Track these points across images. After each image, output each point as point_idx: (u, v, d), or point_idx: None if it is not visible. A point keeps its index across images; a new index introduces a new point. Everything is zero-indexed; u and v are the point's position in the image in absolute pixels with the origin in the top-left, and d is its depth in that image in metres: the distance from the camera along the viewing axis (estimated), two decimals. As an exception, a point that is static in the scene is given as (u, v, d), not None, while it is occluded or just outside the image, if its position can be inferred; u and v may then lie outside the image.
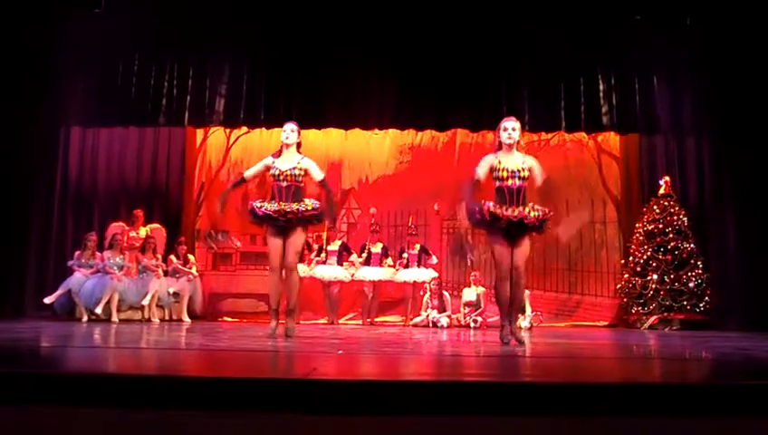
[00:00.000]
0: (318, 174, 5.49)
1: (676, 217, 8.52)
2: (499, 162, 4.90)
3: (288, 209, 5.22)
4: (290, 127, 5.58)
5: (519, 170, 4.86)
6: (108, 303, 7.81)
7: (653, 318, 8.24)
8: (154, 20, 8.84)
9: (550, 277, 9.77)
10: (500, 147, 5.00)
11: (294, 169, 5.37)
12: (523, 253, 4.88)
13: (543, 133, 9.73)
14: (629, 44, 9.01)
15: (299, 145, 5.61)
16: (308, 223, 5.42)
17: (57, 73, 8.83)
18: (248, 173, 5.67)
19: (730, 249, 8.83)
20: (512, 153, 4.95)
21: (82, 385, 2.45)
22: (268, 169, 5.47)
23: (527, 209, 4.78)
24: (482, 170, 4.95)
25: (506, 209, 4.75)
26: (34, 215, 8.92)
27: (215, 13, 8.84)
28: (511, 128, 4.98)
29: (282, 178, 5.35)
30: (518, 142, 4.99)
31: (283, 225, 5.28)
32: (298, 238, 5.35)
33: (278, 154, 5.51)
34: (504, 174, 4.85)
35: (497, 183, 4.89)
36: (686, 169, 9.28)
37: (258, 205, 5.34)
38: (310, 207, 5.29)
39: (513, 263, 4.84)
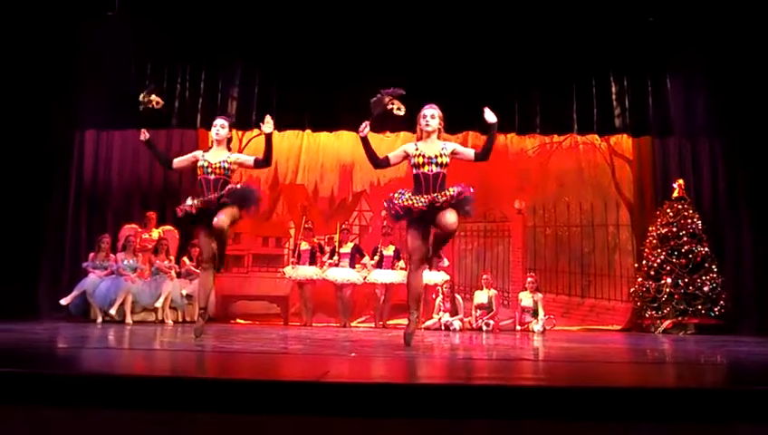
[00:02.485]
0: (248, 158, 5.47)
1: (690, 221, 8.46)
2: (416, 149, 4.77)
3: (207, 199, 5.13)
4: (220, 122, 5.54)
5: (436, 156, 4.70)
6: (122, 304, 7.86)
7: (667, 322, 8.18)
8: (167, 23, 8.90)
9: (562, 280, 9.74)
10: (420, 134, 4.87)
11: (224, 161, 5.32)
12: (448, 218, 4.56)
13: (556, 135, 9.70)
14: (642, 46, 8.95)
15: (229, 141, 5.56)
16: (234, 200, 5.18)
17: (72, 77, 8.91)
18: (176, 162, 5.58)
19: (745, 252, 8.74)
20: (431, 141, 4.80)
21: (97, 386, 2.47)
22: (196, 160, 5.40)
23: (439, 195, 4.57)
24: (393, 154, 4.89)
25: (418, 200, 4.59)
26: (50, 217, 9.00)
27: (227, 15, 8.89)
28: (429, 115, 4.83)
29: (210, 170, 5.29)
30: (439, 130, 4.82)
31: (200, 215, 5.16)
32: (227, 210, 5.09)
33: (208, 150, 5.50)
34: (420, 160, 4.71)
35: (414, 170, 4.74)
36: (700, 172, 9.22)
37: (189, 203, 5.24)
38: (239, 188, 5.24)
39: (440, 228, 4.64)
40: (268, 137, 5.34)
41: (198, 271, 8.53)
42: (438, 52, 8.92)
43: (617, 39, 8.93)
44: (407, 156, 4.82)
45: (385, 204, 4.87)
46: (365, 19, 8.86)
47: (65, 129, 9.17)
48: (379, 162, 4.92)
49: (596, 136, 9.57)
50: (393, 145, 10.03)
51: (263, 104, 9.10)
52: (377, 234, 9.60)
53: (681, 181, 8.79)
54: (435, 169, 4.69)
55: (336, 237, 9.26)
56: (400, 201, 4.66)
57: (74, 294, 7.98)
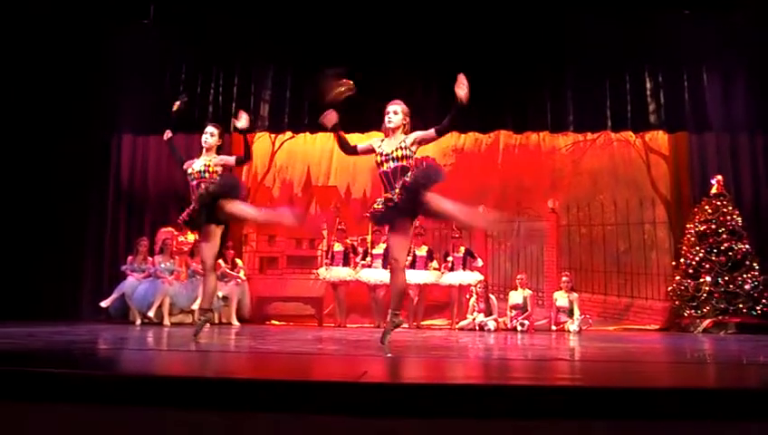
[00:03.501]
0: (230, 158, 5.53)
1: (729, 217, 8.28)
2: (379, 146, 4.72)
3: (199, 192, 5.27)
4: (210, 130, 5.61)
5: (392, 152, 4.62)
6: (159, 306, 8.00)
7: (707, 322, 8.01)
8: (200, 30, 9.05)
9: (597, 280, 9.62)
10: (387, 133, 4.80)
11: (207, 166, 5.42)
12: (437, 201, 4.60)
13: (589, 133, 9.59)
14: (677, 40, 8.80)
15: (219, 148, 5.62)
16: (221, 193, 5.30)
17: (108, 83, 9.12)
18: (185, 164, 5.64)
19: (788, 250, 8.53)
20: (394, 138, 4.72)
21: (137, 386, 2.52)
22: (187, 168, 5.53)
23: (396, 189, 4.50)
24: (362, 145, 4.85)
25: (381, 202, 4.57)
26: (90, 221, 9.22)
27: (258, 20, 9.00)
28: (392, 111, 4.77)
29: (193, 177, 5.43)
30: (404, 126, 4.74)
31: (199, 217, 5.32)
32: (233, 206, 5.29)
33: (199, 156, 5.59)
34: (380, 159, 4.66)
35: (378, 169, 4.69)
36: (740, 167, 9.02)
37: (185, 214, 5.43)
38: (222, 179, 5.33)
39: (442, 215, 4.73)
40: (243, 132, 5.43)
41: (233, 273, 8.72)
42: (469, 51, 8.88)
43: (651, 33, 8.78)
44: (372, 150, 4.78)
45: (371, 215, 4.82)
46: (393, 21, 8.88)
47: (103, 134, 9.39)
48: (348, 149, 4.88)
49: (631, 132, 9.43)
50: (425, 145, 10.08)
51: (294, 107, 9.20)
52: (409, 234, 9.59)
53: (720, 177, 8.61)
54: (392, 164, 4.62)
55: (369, 238, 9.29)
56: (372, 209, 4.65)
57: (114, 296, 8.15)
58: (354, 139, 9.86)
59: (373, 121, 9.10)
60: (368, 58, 8.97)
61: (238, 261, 8.98)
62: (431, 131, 4.70)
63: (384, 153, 4.66)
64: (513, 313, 8.67)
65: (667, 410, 2.32)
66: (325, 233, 9.99)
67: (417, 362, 3.88)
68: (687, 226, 8.69)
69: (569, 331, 8.21)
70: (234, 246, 9.16)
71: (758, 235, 8.50)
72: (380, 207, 4.59)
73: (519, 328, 8.39)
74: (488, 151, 9.95)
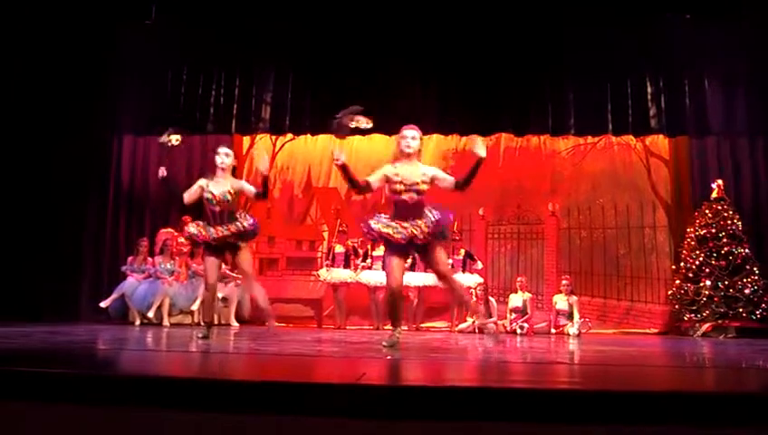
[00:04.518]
0: (250, 188, 5.61)
1: (729, 222, 8.28)
2: (396, 174, 4.69)
3: (224, 234, 5.42)
4: (224, 151, 5.65)
5: (416, 184, 4.64)
6: (159, 307, 8.01)
7: (706, 325, 8.01)
8: (201, 31, 9.05)
9: (597, 283, 9.61)
10: (399, 156, 4.78)
11: (226, 193, 5.49)
12: (440, 260, 4.75)
13: (590, 136, 9.59)
14: (679, 44, 8.79)
15: (234, 169, 5.75)
16: (243, 240, 5.56)
17: (110, 83, 9.12)
18: (186, 196, 5.66)
19: (789, 254, 8.52)
20: (411, 163, 4.73)
21: (136, 387, 2.52)
22: (203, 190, 5.56)
23: (416, 228, 4.58)
24: (373, 178, 4.78)
25: (397, 230, 4.58)
26: (89, 221, 9.21)
27: (260, 22, 9.00)
28: (410, 136, 4.75)
29: (215, 202, 5.48)
30: (419, 152, 4.78)
31: (216, 245, 5.48)
32: (244, 256, 5.60)
33: (212, 177, 5.62)
34: (400, 187, 4.65)
35: (393, 196, 4.69)
36: (740, 172, 9.01)
37: (195, 232, 5.52)
38: (242, 225, 5.46)
39: (435, 271, 4.81)
40: (265, 179, 5.49)
41: (233, 274, 8.71)
42: (469, 55, 8.89)
43: (652, 38, 8.78)
44: (387, 180, 4.75)
45: (362, 226, 4.84)
46: (398, 23, 8.88)
47: (104, 134, 9.38)
48: (360, 187, 4.84)
49: (631, 136, 9.43)
50: (425, 147, 10.04)
51: (296, 109, 9.19)
52: (410, 237, 9.60)
53: (720, 181, 8.60)
54: (415, 196, 4.66)
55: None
56: (378, 228, 4.65)
57: (113, 296, 8.15)
58: (355, 141, 10.03)
59: (374, 123, 9.16)
60: (368, 60, 8.98)
61: (239, 262, 8.97)
62: (451, 181, 4.79)
63: (406, 182, 4.66)
64: (513, 315, 8.67)
65: (666, 415, 2.32)
66: (326, 235, 9.99)
67: (416, 364, 3.89)
68: (688, 230, 8.69)
69: (568, 334, 8.21)
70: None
71: (758, 239, 8.49)
72: (400, 238, 4.59)
73: (518, 331, 8.39)
74: (489, 154, 9.75)
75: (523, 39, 8.84)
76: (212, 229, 5.45)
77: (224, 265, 8.72)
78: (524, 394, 2.48)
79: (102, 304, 8.13)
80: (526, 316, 8.58)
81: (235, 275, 8.75)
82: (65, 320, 7.99)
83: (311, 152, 10.23)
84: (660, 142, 9.68)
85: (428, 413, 2.30)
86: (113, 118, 9.31)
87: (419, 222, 4.60)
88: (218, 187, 5.52)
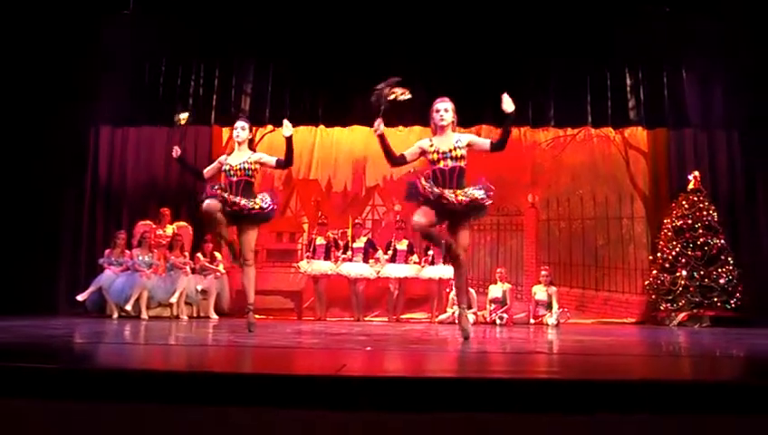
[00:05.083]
0: (271, 159, 5.57)
1: (705, 213, 8.39)
2: (431, 145, 4.74)
3: (236, 201, 5.29)
4: (240, 124, 5.67)
5: (450, 150, 4.66)
6: (137, 300, 7.94)
7: (682, 315, 8.13)
8: (181, 20, 8.94)
9: (576, 274, 9.70)
10: (434, 129, 4.84)
11: (244, 163, 5.45)
12: (462, 240, 4.70)
13: (569, 128, 9.65)
14: (657, 37, 8.86)
15: (251, 142, 5.73)
16: (255, 221, 5.47)
17: (87, 74, 8.97)
18: (207, 170, 5.75)
19: (763, 244, 8.67)
20: (446, 135, 4.77)
21: (114, 381, 2.50)
22: (221, 165, 5.57)
23: (452, 194, 4.52)
24: (408, 152, 4.82)
25: (433, 189, 4.54)
26: (66, 213, 9.10)
27: (240, 12, 8.91)
28: (443, 109, 4.79)
29: (232, 173, 5.45)
30: (453, 123, 4.79)
31: (228, 212, 5.31)
32: (251, 236, 5.48)
33: (230, 152, 5.66)
34: (435, 156, 4.68)
35: (431, 166, 4.71)
36: (717, 164, 9.14)
37: (215, 191, 5.36)
38: (258, 205, 5.36)
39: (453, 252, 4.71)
40: (288, 140, 5.42)
41: (212, 266, 8.67)
42: (450, 45, 8.89)
43: (631, 31, 8.83)
44: (422, 152, 4.79)
45: (408, 185, 4.78)
46: (376, 13, 8.85)
47: (81, 125, 9.26)
48: (395, 160, 4.87)
49: (610, 128, 9.51)
50: (406, 139, 10.06)
51: (276, 100, 9.13)
52: (390, 228, 9.61)
53: (697, 173, 8.72)
54: (450, 163, 4.66)
55: (349, 232, 9.28)
56: (416, 182, 4.61)
57: (90, 290, 8.07)
58: (336, 133, 9.98)
59: (355, 114, 9.15)
60: (349, 51, 8.94)
61: (217, 254, 8.92)
62: (486, 143, 4.81)
63: (440, 151, 4.68)
64: (493, 306, 8.72)
65: (643, 403, 2.35)
66: (306, 226, 9.96)
67: (396, 355, 3.90)
68: (665, 221, 8.80)
69: (547, 324, 8.29)
70: (213, 239, 9.09)
71: (733, 230, 8.63)
72: (429, 190, 4.51)
73: (498, 321, 8.45)
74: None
75: (503, 31, 8.85)
76: (234, 197, 5.33)
77: (202, 257, 8.70)
78: (504, 384, 2.49)
79: (79, 298, 8.04)
80: (506, 307, 8.65)
81: (213, 267, 8.71)
82: (42, 313, 7.89)
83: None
84: (639, 134, 9.77)
85: (409, 404, 2.31)
86: (91, 109, 9.17)
87: (458, 190, 4.56)
88: (236, 158, 5.52)
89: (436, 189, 4.52)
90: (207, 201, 5.29)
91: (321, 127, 9.77)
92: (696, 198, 8.51)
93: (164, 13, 8.91)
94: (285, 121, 5.49)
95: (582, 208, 9.87)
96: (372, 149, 10.17)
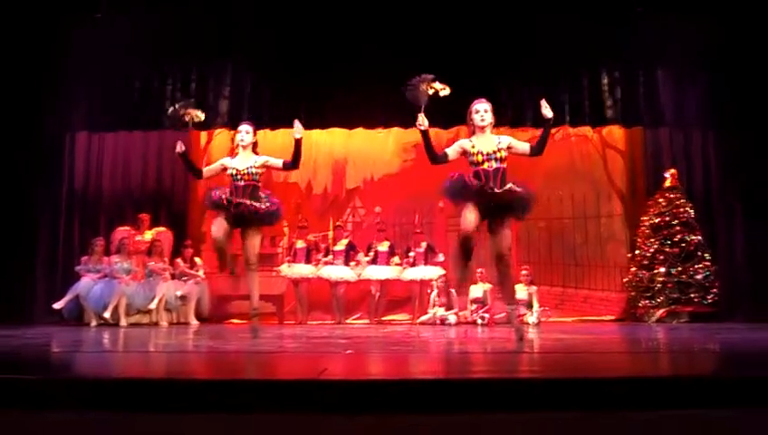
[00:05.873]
0: (277, 161, 5.54)
1: (682, 210, 8.49)
2: (473, 146, 4.76)
3: (241, 201, 5.27)
4: (245, 128, 5.64)
5: (495, 152, 4.72)
6: (116, 307, 7.84)
7: (661, 311, 8.22)
8: (156, 23, 8.85)
9: (556, 272, 9.77)
10: (473, 131, 4.88)
11: (251, 167, 5.43)
12: (505, 240, 4.75)
13: (548, 128, 9.70)
14: (633, 36, 8.95)
15: (255, 145, 5.66)
16: (262, 222, 5.46)
17: (61, 79, 8.85)
18: (206, 171, 5.72)
19: (737, 240, 8.78)
20: (485, 136, 4.82)
21: (93, 390, 2.46)
22: (225, 169, 5.52)
23: (507, 190, 4.61)
24: (450, 150, 4.84)
25: (477, 181, 4.61)
26: (42, 221, 8.96)
27: (216, 14, 8.85)
28: (483, 110, 4.85)
29: (239, 177, 5.41)
30: (491, 124, 4.85)
31: (234, 213, 5.29)
32: (255, 241, 5.47)
33: (234, 156, 5.63)
34: (480, 158, 4.71)
35: (473, 168, 4.74)
36: (692, 162, 9.24)
37: (220, 195, 5.37)
38: (264, 205, 5.35)
39: (495, 251, 4.75)
40: (298, 142, 5.42)
41: (192, 272, 8.60)
42: (427, 47, 8.88)
43: (608, 30, 8.92)
44: (464, 152, 4.79)
45: (447, 182, 4.78)
46: (354, 14, 8.83)
47: (56, 131, 9.12)
48: (438, 158, 4.84)
49: (588, 128, 9.58)
50: (385, 140, 10.08)
51: (254, 103, 9.08)
52: (371, 230, 9.60)
53: (673, 171, 8.81)
54: (494, 164, 4.70)
55: (330, 235, 9.25)
56: (468, 178, 4.64)
57: (67, 298, 7.95)
58: (315, 135, 9.95)
59: (334, 116, 9.14)
60: (327, 54, 8.91)
61: (197, 260, 8.85)
62: (526, 147, 4.88)
63: (484, 152, 4.71)
64: (474, 306, 8.74)
65: (623, 400, 2.37)
66: (286, 230, 9.92)
67: (377, 357, 3.89)
68: (642, 218, 8.88)
69: (528, 323, 8.32)
70: (192, 244, 9.02)
71: (709, 226, 8.73)
72: (475, 183, 4.57)
73: (479, 321, 8.47)
74: (449, 146, 9.97)
75: (479, 32, 8.88)
76: (240, 199, 5.31)
77: (181, 263, 8.62)
78: (486, 384, 2.50)
79: (56, 306, 7.92)
80: (487, 307, 8.67)
81: (193, 272, 8.63)
82: (18, 322, 7.76)
83: (269, 147, 10.02)
84: (616, 133, 9.87)
85: (390, 407, 2.31)
86: (65, 115, 9.05)
87: (507, 189, 4.63)
88: (242, 162, 5.46)
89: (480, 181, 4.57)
90: (214, 228, 5.33)
91: (301, 129, 9.71)
92: (672, 196, 8.60)
93: (139, 14, 8.81)
94: (296, 123, 5.47)
95: (561, 208, 9.94)
96: (352, 150, 10.19)
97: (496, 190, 4.58)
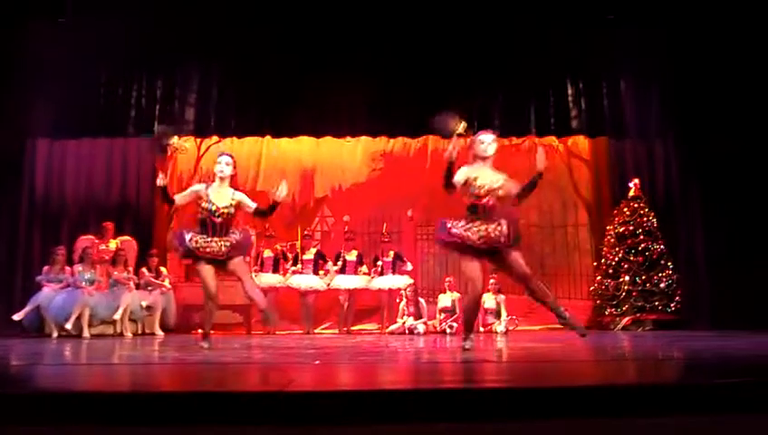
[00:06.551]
0: (251, 204, 5.49)
1: (645, 219, 8.65)
2: (476, 178, 4.80)
3: (223, 250, 5.32)
4: (225, 160, 5.51)
5: (495, 189, 4.79)
6: (78, 318, 7.66)
7: (626, 319, 8.34)
8: (121, 29, 8.74)
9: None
10: (474, 159, 4.92)
11: (230, 206, 5.39)
12: (518, 262, 4.79)
13: (514, 138, 9.82)
14: (597, 49, 9.14)
15: (233, 178, 5.59)
16: (239, 251, 5.50)
17: (21, 84, 8.66)
18: (178, 199, 5.56)
19: (698, 249, 8.99)
20: (488, 168, 4.88)
21: (54, 404, 2.40)
22: (200, 198, 5.39)
23: (496, 232, 4.66)
24: (456, 180, 4.86)
25: (475, 231, 4.66)
26: (1, 229, 8.73)
27: (183, 21, 8.76)
28: (488, 141, 4.90)
29: (218, 214, 5.33)
30: (492, 157, 4.92)
31: (209, 253, 5.33)
32: (242, 267, 5.62)
33: (209, 185, 5.48)
34: (483, 191, 4.77)
35: (472, 199, 4.79)
36: (655, 172, 9.44)
37: (194, 245, 5.31)
38: (237, 238, 5.40)
39: (517, 274, 4.82)
40: (275, 203, 5.43)
41: (158, 282, 8.45)
42: (397, 57, 8.95)
43: (572, 42, 9.09)
44: (466, 183, 4.82)
45: (439, 234, 4.84)
46: (324, 24, 8.84)
47: (15, 138, 8.90)
48: (451, 187, 4.87)
49: (554, 138, 9.71)
50: (354, 149, 10.06)
51: (221, 111, 9.01)
52: (339, 239, 9.57)
53: (637, 180, 8.98)
54: (492, 200, 4.79)
55: (298, 244, 9.19)
56: (458, 232, 4.68)
57: (27, 309, 7.74)
58: (283, 143, 9.88)
59: (302, 125, 9.11)
60: (295, 61, 8.89)
61: (163, 269, 8.71)
62: (514, 190, 4.93)
63: (486, 187, 4.77)
64: (443, 315, 8.76)
65: (590, 408, 2.38)
66: (253, 239, 9.80)
67: (346, 368, 3.86)
68: (607, 227, 9.02)
69: (496, 332, 8.37)
70: (158, 253, 8.88)
71: (671, 235, 8.91)
72: (481, 243, 4.63)
73: (448, 330, 8.49)
74: (417, 156, 10.03)
75: (448, 43, 8.96)
76: (212, 242, 5.30)
77: (146, 272, 8.47)
78: (455, 394, 2.50)
79: (16, 317, 7.70)
80: (455, 316, 8.69)
81: (159, 282, 8.49)
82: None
83: (237, 155, 9.95)
84: (581, 143, 10.02)
85: (358, 418, 2.29)
86: (25, 121, 8.84)
87: (498, 227, 4.64)
88: (221, 198, 5.35)
89: (484, 235, 4.64)
90: (206, 282, 5.50)
91: (268, 138, 9.67)
92: (636, 205, 8.76)
93: (103, 19, 8.68)
94: (283, 183, 5.45)
95: (528, 216, 10.03)
96: (320, 159, 10.16)
97: (497, 244, 4.64)
